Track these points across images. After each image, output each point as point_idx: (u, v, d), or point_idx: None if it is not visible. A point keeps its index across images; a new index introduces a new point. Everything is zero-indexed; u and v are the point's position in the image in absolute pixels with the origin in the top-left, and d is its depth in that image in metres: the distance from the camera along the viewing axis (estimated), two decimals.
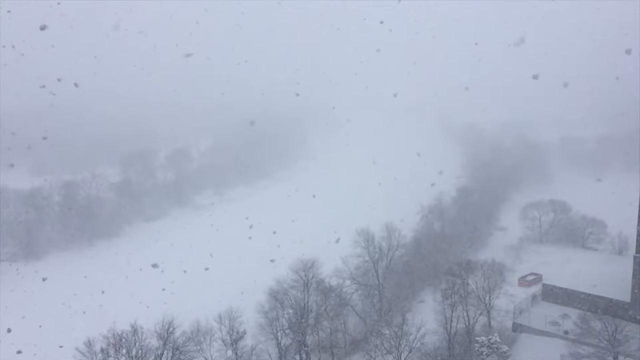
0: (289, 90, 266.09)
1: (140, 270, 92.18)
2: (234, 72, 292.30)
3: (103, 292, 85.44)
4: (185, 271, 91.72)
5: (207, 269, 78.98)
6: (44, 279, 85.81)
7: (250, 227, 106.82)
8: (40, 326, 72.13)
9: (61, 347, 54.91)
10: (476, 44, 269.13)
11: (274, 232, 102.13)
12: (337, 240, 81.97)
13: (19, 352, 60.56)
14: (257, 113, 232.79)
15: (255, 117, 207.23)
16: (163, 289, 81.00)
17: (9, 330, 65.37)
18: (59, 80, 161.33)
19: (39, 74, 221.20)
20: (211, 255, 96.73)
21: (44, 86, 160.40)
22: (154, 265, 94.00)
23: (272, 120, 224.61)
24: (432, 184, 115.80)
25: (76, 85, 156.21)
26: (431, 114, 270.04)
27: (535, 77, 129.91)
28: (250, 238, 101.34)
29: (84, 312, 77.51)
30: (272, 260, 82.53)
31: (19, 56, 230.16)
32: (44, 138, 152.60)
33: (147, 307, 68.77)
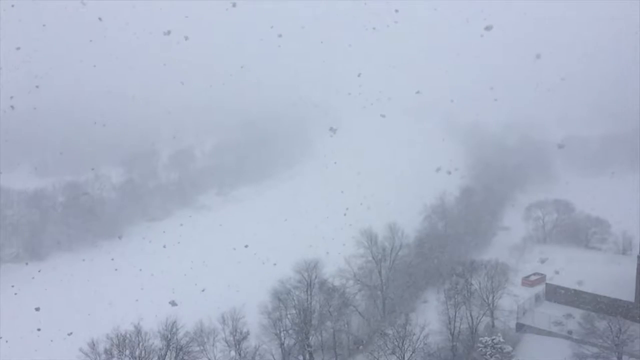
0: (291, 91, 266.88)
1: (144, 270, 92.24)
2: (235, 73, 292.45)
3: (106, 293, 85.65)
4: (188, 271, 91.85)
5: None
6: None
7: (252, 227, 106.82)
8: (39, 329, 72.12)
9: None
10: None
11: (276, 232, 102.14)
12: (336, 238, 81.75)
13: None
14: (259, 114, 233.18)
15: (257, 117, 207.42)
16: (166, 289, 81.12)
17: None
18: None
19: (42, 74, 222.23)
20: (213, 255, 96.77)
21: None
22: (157, 265, 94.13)
23: (274, 121, 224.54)
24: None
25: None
26: (434, 114, 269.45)
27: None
28: (252, 237, 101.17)
29: (88, 313, 77.57)
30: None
31: (19, 56, 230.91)
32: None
33: (151, 307, 68.77)
